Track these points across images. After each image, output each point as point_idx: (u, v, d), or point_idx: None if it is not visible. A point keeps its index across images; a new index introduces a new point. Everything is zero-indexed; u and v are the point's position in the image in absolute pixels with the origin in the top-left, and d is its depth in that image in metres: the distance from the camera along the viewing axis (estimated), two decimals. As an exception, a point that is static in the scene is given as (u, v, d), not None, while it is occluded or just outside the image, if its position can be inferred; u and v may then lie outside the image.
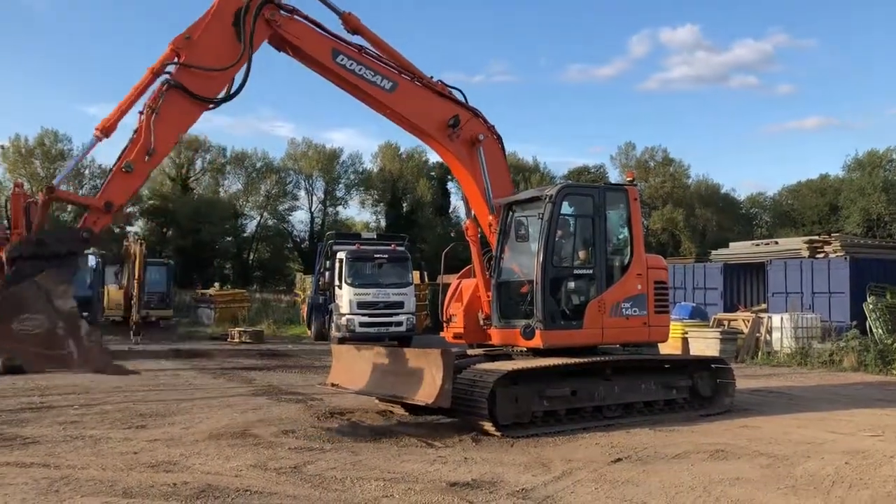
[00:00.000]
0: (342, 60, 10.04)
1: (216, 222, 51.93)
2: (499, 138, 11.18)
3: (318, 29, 10.00)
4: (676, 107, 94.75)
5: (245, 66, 9.31)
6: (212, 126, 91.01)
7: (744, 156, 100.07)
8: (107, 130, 8.75)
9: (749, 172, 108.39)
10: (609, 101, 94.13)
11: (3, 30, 78.67)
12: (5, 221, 18.77)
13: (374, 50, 10.39)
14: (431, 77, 10.74)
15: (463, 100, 10.96)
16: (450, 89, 10.87)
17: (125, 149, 8.73)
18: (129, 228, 48.94)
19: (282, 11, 9.65)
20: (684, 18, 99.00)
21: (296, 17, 9.80)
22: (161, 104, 8.80)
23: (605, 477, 7.09)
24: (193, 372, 16.57)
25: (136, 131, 8.78)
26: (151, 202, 53.07)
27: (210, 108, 9.41)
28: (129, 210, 51.85)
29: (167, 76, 8.91)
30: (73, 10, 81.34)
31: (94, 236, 8.60)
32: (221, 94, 9.31)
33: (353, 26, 10.32)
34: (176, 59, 8.99)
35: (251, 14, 9.33)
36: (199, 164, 57.28)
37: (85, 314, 22.67)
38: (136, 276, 24.63)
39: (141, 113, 8.81)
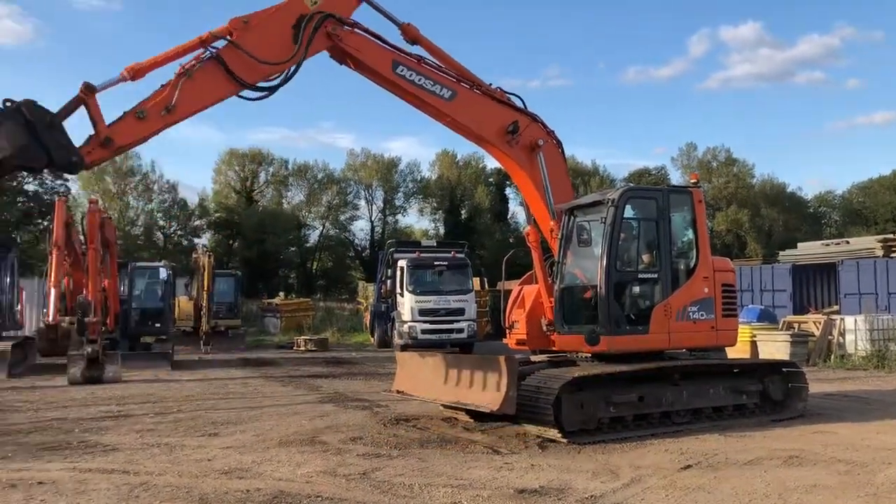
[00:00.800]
0: (402, 71, 10.16)
1: (280, 233, 52.98)
2: (558, 143, 11.16)
3: (378, 41, 10.14)
4: (739, 105, 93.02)
5: (292, 69, 9.38)
6: (274, 139, 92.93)
7: (810, 153, 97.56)
8: (134, 73, 8.60)
9: (816, 170, 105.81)
10: (669, 101, 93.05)
11: (74, 51, 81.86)
12: (82, 237, 19.63)
13: (433, 59, 10.49)
14: (490, 84, 10.80)
15: (522, 106, 10.98)
16: (508, 95, 10.90)
17: (147, 97, 8.71)
18: (196, 241, 50.48)
19: (343, 26, 9.82)
20: (746, 16, 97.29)
21: (356, 30, 9.95)
22: (197, 69, 8.86)
23: (675, 484, 6.98)
24: (262, 380, 16.92)
25: (163, 85, 8.77)
26: (218, 215, 54.46)
27: (240, 94, 9.26)
28: (196, 223, 53.35)
29: (213, 49, 8.98)
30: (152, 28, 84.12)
31: (80, 165, 8.27)
32: (256, 85, 9.28)
33: (412, 37, 10.44)
34: (228, 37, 9.07)
35: (313, 24, 9.47)
36: (262, 176, 58.64)
37: (157, 325, 23.47)
38: (206, 287, 25.24)
39: (175, 72, 8.82)
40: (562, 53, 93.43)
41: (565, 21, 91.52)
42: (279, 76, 9.39)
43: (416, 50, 10.50)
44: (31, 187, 48.19)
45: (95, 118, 8.30)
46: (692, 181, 11.22)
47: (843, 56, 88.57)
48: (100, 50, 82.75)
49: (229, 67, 8.97)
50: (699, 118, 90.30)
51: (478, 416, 10.12)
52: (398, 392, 11.18)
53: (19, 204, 46.70)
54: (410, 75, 10.19)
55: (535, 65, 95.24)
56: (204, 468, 7.68)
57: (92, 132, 8.26)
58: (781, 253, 28.94)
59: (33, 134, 7.56)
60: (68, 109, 8.09)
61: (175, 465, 7.88)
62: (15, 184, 47.12)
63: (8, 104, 7.57)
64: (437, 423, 10.39)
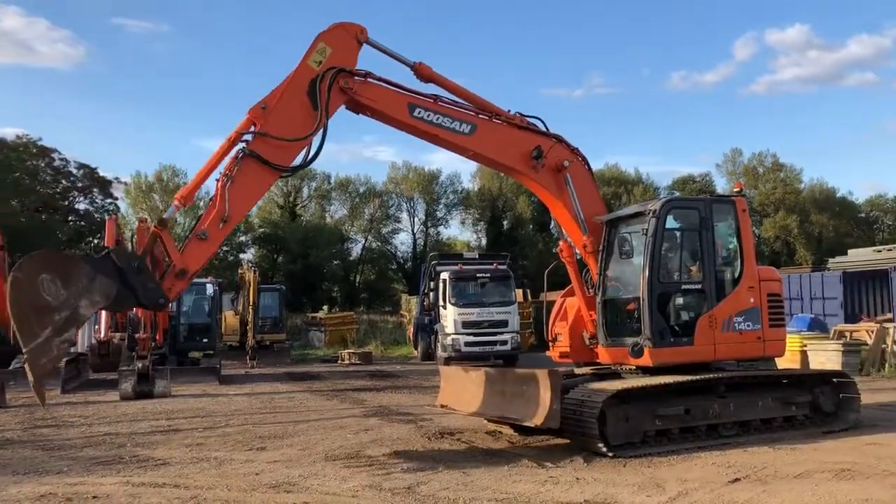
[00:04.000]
0: (419, 114, 10.01)
1: (323, 247, 53.49)
2: (584, 160, 10.93)
3: (392, 87, 9.99)
4: (786, 109, 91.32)
5: (321, 133, 9.41)
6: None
7: (861, 157, 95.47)
8: (185, 199, 9.02)
9: (868, 174, 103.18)
10: (714, 107, 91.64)
11: (123, 71, 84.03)
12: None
13: (448, 96, 10.35)
14: (509, 110, 10.58)
15: (544, 128, 10.79)
16: (529, 120, 10.70)
17: (202, 216, 9.03)
18: (241, 256, 51.23)
19: (355, 77, 9.67)
20: (793, 18, 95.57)
21: (369, 80, 9.78)
22: (236, 172, 8.95)
23: (722, 497, 6.90)
24: (307, 394, 17.10)
25: (212, 199, 9.01)
26: (262, 230, 55.25)
27: (284, 176, 9.67)
28: (241, 239, 54.25)
29: (244, 144, 9.08)
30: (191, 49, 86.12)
31: (166, 302, 8.86)
32: (297, 162, 9.44)
33: (425, 76, 10.23)
34: (252, 128, 9.15)
35: (326, 83, 9.39)
36: (305, 191, 59.32)
37: (205, 340, 23.85)
38: (251, 302, 25.64)
39: (217, 180, 8.99)
40: (605, 62, 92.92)
41: (608, 29, 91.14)
42: (306, 151, 9.44)
43: (431, 88, 10.30)
44: (81, 206, 49.59)
45: (169, 250, 8.86)
46: (735, 190, 11.08)
47: (894, 56, 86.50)
48: (152, 70, 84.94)
49: (265, 158, 9.08)
50: (745, 123, 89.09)
51: (522, 429, 10.12)
52: (442, 406, 11.22)
53: (71, 223, 48.03)
54: (428, 116, 10.03)
55: (579, 74, 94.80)
56: (252, 482, 7.81)
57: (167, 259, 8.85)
58: (831, 260, 28.40)
59: (122, 279, 8.24)
60: (148, 248, 8.82)
61: (224, 479, 8.02)
62: (66, 203, 48.54)
63: (101, 252, 8.41)
64: (481, 437, 10.41)
